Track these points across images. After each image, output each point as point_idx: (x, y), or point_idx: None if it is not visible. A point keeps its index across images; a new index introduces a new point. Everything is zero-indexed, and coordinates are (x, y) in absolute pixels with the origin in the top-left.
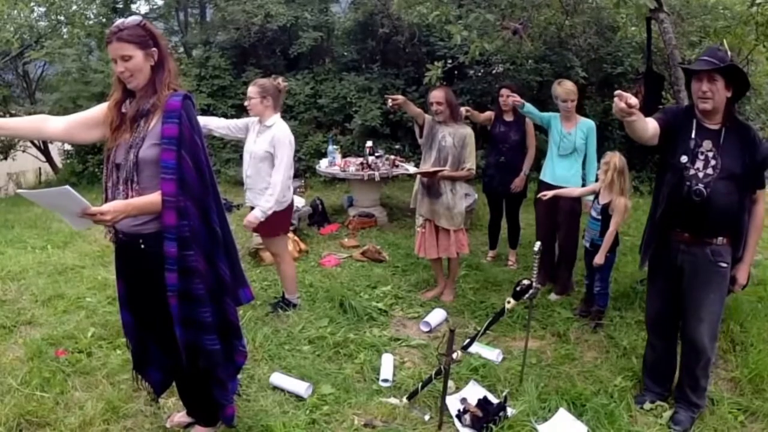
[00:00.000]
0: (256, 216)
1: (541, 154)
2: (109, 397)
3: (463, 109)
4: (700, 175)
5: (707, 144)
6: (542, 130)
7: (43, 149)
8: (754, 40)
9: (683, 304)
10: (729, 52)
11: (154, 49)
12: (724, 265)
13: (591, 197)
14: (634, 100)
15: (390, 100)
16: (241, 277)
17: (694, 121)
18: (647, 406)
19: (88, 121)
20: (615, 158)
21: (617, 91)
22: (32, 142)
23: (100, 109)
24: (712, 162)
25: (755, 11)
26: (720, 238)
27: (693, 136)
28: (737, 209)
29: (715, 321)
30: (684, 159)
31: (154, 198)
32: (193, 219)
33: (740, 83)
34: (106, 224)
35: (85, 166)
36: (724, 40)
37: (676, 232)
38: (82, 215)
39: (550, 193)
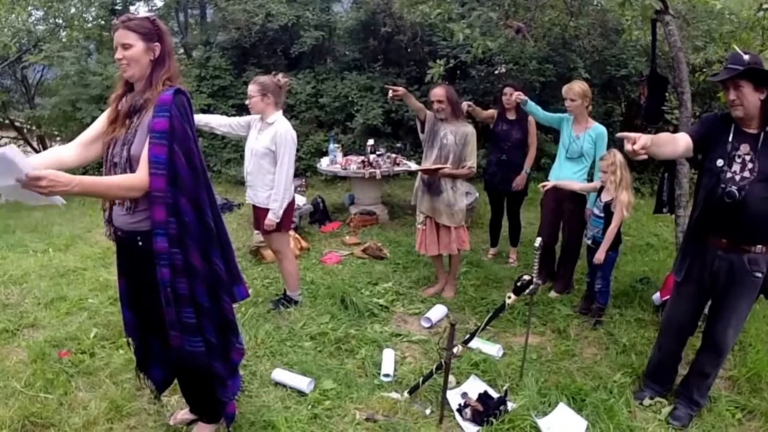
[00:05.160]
0: (271, 219)
1: (542, 153)
2: (113, 396)
3: (465, 104)
4: (737, 178)
5: (745, 147)
6: (544, 130)
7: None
8: (760, 45)
9: (713, 307)
10: (745, 55)
11: (156, 44)
12: (759, 275)
13: (591, 204)
14: (641, 142)
15: (390, 91)
16: (237, 273)
17: (733, 125)
18: (646, 402)
19: (93, 136)
20: (618, 155)
21: (620, 135)
22: (30, 146)
23: (99, 120)
24: (750, 165)
25: (761, 16)
26: (759, 246)
27: (730, 139)
28: None
29: (740, 325)
30: (720, 162)
31: (116, 181)
32: (187, 215)
33: None
34: (42, 192)
35: (85, 169)
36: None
37: (713, 237)
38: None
39: (549, 183)
